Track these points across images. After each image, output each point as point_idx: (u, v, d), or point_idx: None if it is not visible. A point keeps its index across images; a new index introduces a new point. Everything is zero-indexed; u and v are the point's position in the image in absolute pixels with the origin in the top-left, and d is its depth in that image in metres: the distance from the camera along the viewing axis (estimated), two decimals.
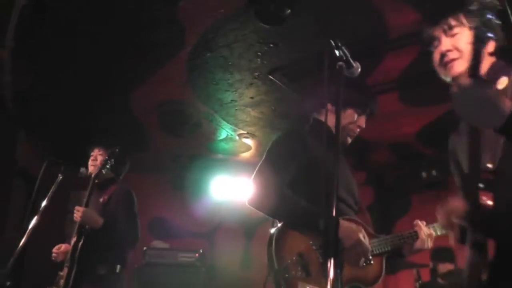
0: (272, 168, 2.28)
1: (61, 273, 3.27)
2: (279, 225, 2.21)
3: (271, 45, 3.69)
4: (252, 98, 4.61)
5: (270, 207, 2.23)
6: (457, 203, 1.65)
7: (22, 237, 3.25)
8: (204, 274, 5.60)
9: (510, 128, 1.36)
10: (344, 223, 2.13)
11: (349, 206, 2.38)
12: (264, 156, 2.37)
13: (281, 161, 2.30)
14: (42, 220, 3.31)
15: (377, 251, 2.27)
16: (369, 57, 3.78)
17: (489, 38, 1.28)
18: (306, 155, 2.29)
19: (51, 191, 3.44)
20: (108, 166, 3.45)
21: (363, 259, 2.17)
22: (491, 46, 1.79)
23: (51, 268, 3.51)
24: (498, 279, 1.52)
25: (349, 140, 2.51)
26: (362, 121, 2.51)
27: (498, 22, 1.72)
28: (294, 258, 2.10)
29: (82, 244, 3.27)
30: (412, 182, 6.12)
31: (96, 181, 3.44)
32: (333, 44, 1.77)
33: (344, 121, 2.37)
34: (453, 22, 1.76)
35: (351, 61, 1.84)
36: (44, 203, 3.38)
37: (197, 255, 5.56)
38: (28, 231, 3.27)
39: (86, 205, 3.34)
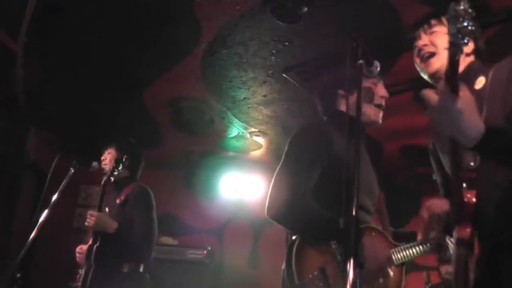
0: (293, 172, 2.08)
1: (81, 272, 3.26)
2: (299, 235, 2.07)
3: (286, 43, 3.66)
4: (265, 96, 4.58)
5: (289, 219, 2.06)
6: (440, 202, 1.72)
7: (33, 230, 3.26)
8: (212, 271, 5.61)
9: (483, 148, 1.40)
10: (366, 241, 1.99)
11: (367, 211, 2.25)
12: (283, 158, 2.16)
13: (303, 163, 2.10)
14: (52, 214, 3.32)
15: (398, 262, 2.19)
16: (384, 56, 3.73)
17: (464, 44, 1.30)
18: (330, 153, 2.12)
19: (62, 184, 3.44)
20: (117, 170, 3.42)
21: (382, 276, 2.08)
22: (468, 47, 1.89)
23: (60, 260, 3.52)
24: (488, 273, 1.57)
25: (380, 117, 2.37)
26: (381, 87, 2.42)
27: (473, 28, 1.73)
28: (315, 273, 1.96)
29: (97, 246, 3.24)
30: (423, 184, 6.09)
31: (112, 179, 3.42)
32: (354, 42, 1.75)
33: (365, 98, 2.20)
34: (433, 22, 1.96)
35: (371, 59, 1.82)
36: (54, 197, 3.38)
37: (205, 252, 5.56)
38: (38, 224, 3.27)
39: (99, 209, 3.32)
